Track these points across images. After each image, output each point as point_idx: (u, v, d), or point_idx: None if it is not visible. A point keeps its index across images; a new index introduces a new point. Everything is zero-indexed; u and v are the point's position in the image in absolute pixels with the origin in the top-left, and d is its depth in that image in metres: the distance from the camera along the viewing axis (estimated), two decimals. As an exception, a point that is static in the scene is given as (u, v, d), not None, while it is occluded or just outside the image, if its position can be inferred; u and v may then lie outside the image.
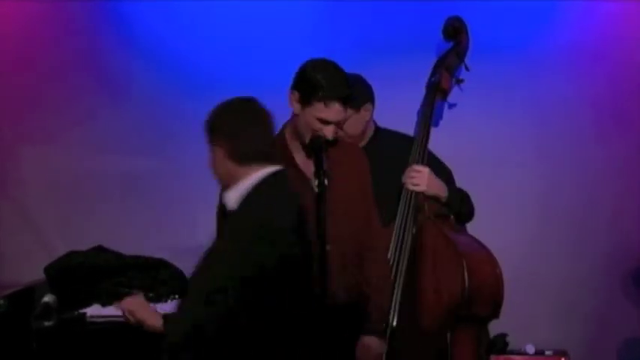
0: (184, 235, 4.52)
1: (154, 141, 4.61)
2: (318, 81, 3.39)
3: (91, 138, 4.57)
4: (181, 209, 4.58)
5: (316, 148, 3.26)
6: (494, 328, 4.18)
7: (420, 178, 3.87)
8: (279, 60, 4.41)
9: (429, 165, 3.99)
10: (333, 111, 3.42)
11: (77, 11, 4.60)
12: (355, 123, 3.99)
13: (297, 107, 3.45)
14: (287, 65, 3.54)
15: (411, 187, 3.88)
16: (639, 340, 4.52)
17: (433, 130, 4.06)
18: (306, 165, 3.46)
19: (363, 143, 4.07)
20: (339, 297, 3.40)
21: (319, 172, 3.19)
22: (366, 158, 3.64)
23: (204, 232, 4.44)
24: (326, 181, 3.20)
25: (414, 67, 4.28)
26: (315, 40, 4.49)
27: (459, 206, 3.93)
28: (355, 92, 3.95)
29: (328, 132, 3.41)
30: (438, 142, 4.10)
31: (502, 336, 4.39)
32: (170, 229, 4.56)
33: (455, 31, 4.15)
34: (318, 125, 3.42)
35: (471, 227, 4.12)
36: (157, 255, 4.15)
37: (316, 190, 3.15)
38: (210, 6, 4.57)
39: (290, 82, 3.49)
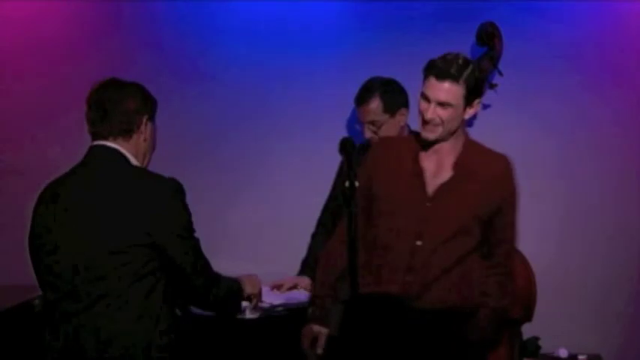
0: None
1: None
2: (432, 61, 3.30)
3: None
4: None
5: (346, 149, 3.26)
6: (527, 331, 4.16)
7: None
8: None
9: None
10: (430, 85, 3.27)
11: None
12: (391, 127, 4.05)
13: None
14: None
15: None
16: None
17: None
18: (430, 163, 3.38)
19: None
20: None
21: (349, 174, 3.20)
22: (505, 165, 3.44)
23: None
24: (356, 183, 3.20)
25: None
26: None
27: None
28: (391, 98, 4.03)
29: (427, 111, 3.27)
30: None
31: (534, 339, 4.37)
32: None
33: (488, 36, 4.16)
34: (421, 105, 3.29)
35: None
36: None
37: (349, 190, 3.16)
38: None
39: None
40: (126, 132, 3.16)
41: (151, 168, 4.44)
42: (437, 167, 3.37)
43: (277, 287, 4.15)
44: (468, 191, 3.31)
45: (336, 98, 4.49)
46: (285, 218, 4.53)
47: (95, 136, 3.17)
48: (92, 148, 3.18)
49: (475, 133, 3.48)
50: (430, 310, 3.30)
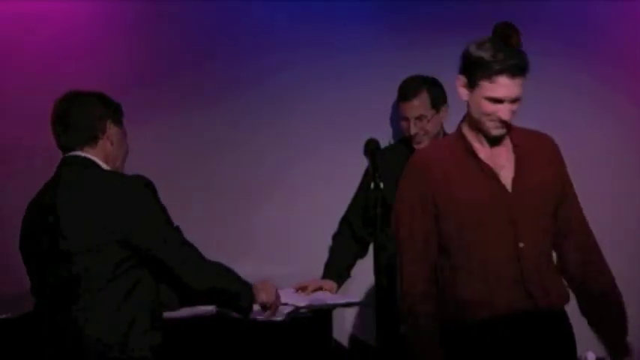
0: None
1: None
2: (480, 58, 3.04)
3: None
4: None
5: (370, 150, 3.24)
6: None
7: None
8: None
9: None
10: (501, 86, 3.03)
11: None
12: (436, 122, 4.12)
13: (464, 93, 3.11)
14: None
15: None
16: None
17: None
18: (488, 156, 3.16)
19: None
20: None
21: (374, 175, 3.19)
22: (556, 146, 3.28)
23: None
24: (381, 184, 3.18)
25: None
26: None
27: None
28: (436, 93, 4.09)
29: (503, 113, 3.05)
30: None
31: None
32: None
33: (505, 37, 4.09)
34: (489, 108, 3.06)
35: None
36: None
37: (374, 192, 3.14)
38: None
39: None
40: (91, 139, 3.22)
41: (171, 170, 4.49)
42: (495, 161, 3.18)
43: (302, 289, 4.14)
44: (538, 176, 3.15)
45: (359, 99, 4.49)
46: (307, 220, 4.51)
47: (64, 149, 3.25)
48: (63, 160, 3.25)
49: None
50: (553, 311, 3.16)
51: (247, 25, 4.58)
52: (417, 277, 3.07)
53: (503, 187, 3.10)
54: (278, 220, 4.54)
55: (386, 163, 3.83)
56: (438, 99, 4.11)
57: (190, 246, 3.20)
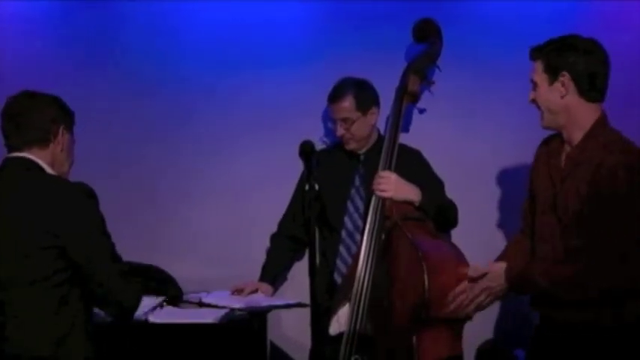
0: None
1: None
2: None
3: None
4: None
5: (305, 153, 3.27)
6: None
7: (386, 184, 3.86)
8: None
9: (418, 173, 4.03)
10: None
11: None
12: (362, 125, 4.14)
13: None
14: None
15: (379, 194, 3.87)
16: None
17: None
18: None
19: (366, 148, 4.21)
20: None
21: (309, 177, 3.22)
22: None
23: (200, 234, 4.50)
24: (316, 186, 3.21)
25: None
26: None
27: (434, 213, 3.90)
28: (363, 96, 4.12)
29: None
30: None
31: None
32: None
33: (422, 33, 4.13)
34: None
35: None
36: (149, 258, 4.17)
37: (309, 193, 3.17)
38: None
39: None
40: (42, 141, 3.17)
41: (112, 170, 4.45)
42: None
43: (238, 291, 4.16)
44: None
45: (299, 101, 4.49)
46: (244, 222, 4.51)
47: (10, 148, 3.19)
48: (5, 160, 3.19)
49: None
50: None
51: (176, 25, 4.58)
52: None
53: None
54: (215, 223, 4.53)
55: (321, 164, 3.88)
56: (366, 102, 4.13)
57: (119, 264, 3.17)
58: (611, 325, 3.22)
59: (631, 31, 4.47)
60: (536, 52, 3.33)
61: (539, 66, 3.32)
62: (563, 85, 3.28)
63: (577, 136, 3.31)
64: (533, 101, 3.37)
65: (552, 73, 3.29)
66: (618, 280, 3.17)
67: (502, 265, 3.41)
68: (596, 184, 3.19)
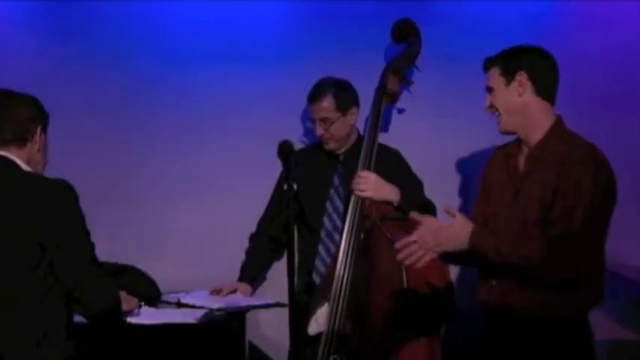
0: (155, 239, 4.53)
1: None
2: None
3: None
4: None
5: (284, 152, 3.27)
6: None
7: (365, 184, 3.87)
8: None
9: (397, 173, 4.03)
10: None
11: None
12: (341, 126, 4.14)
13: None
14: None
15: (358, 194, 3.87)
16: None
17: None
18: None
19: (345, 148, 4.21)
20: None
21: (288, 176, 3.23)
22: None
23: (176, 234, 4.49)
24: (295, 185, 3.22)
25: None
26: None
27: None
28: (343, 97, 4.11)
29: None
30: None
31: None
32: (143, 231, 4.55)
33: (401, 33, 4.14)
34: None
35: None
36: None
37: (287, 193, 3.18)
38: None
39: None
40: (20, 140, 3.17)
41: (87, 169, 4.42)
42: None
43: (217, 292, 4.15)
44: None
45: (276, 101, 4.49)
46: (222, 222, 4.50)
47: None
48: None
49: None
50: None
51: (156, 24, 4.57)
52: None
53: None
54: (193, 223, 4.52)
55: (300, 164, 3.87)
56: (345, 102, 4.13)
57: (97, 265, 3.15)
58: (559, 316, 3.21)
59: (604, 31, 4.51)
60: (491, 61, 3.37)
61: (494, 72, 3.35)
62: (520, 84, 3.31)
63: (536, 136, 3.32)
64: (490, 107, 3.37)
65: (509, 75, 3.32)
66: (578, 268, 3.16)
67: (470, 223, 3.23)
68: (565, 174, 3.19)
